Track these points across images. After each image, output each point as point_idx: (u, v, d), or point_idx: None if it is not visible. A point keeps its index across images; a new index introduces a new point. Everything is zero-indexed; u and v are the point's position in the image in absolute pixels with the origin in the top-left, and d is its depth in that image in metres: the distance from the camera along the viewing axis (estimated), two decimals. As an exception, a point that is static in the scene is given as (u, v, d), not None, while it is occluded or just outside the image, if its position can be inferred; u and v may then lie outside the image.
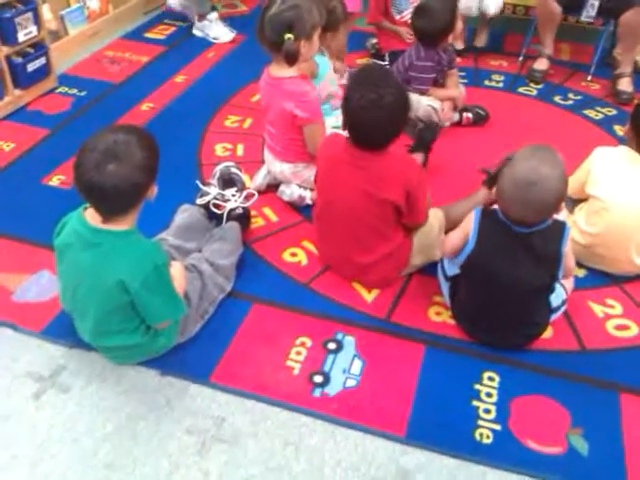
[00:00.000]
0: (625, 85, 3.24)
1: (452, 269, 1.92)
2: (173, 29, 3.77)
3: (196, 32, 3.71)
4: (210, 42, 3.62)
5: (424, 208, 1.99)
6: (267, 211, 2.37)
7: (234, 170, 2.27)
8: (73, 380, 1.77)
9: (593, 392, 1.79)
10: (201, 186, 2.21)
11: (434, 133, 2.49)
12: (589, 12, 3.25)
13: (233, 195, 2.16)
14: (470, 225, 1.78)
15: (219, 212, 2.13)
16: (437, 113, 2.77)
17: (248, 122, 2.91)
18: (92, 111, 2.95)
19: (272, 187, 2.45)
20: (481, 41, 3.63)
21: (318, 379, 1.78)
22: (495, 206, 1.79)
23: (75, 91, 3.09)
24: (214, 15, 3.67)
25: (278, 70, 2.21)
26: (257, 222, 2.31)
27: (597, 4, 3.19)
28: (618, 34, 3.23)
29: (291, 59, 2.13)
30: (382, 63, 3.33)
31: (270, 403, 1.72)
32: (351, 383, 1.77)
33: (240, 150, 2.72)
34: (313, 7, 2.14)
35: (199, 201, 2.16)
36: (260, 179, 2.42)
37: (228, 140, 2.77)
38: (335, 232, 2.02)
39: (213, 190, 2.17)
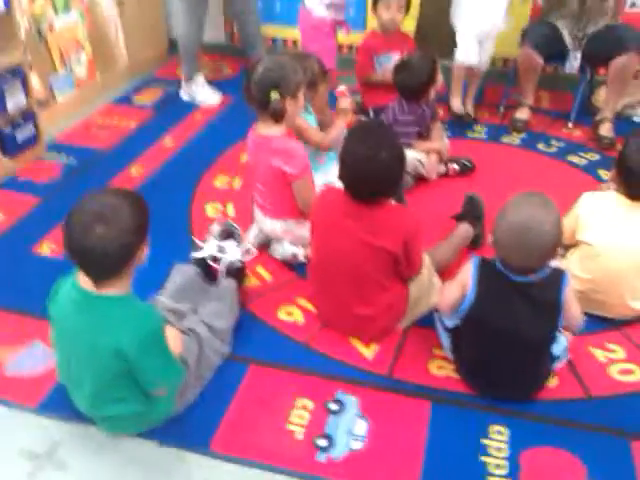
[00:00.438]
0: (606, 130, 3.31)
1: (451, 321, 1.90)
2: (160, 93, 3.82)
3: (183, 96, 3.76)
4: (197, 104, 3.66)
5: (420, 258, 2.00)
6: (260, 270, 2.35)
7: (233, 226, 2.29)
8: (70, 456, 1.71)
9: (603, 441, 1.76)
10: (197, 241, 2.21)
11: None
12: (572, 64, 3.35)
13: (233, 248, 2.18)
14: (468, 277, 1.77)
15: (217, 266, 2.13)
16: (423, 166, 2.80)
17: (237, 182, 2.93)
18: (82, 177, 2.95)
19: (264, 246, 2.44)
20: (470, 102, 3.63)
21: (322, 442, 1.73)
22: (492, 256, 1.79)
23: (64, 158, 3.10)
24: (200, 79, 3.73)
25: (265, 129, 2.24)
26: (251, 282, 2.29)
27: (579, 56, 3.29)
28: (608, 81, 3.28)
29: (277, 117, 2.17)
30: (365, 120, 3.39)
31: (274, 471, 1.67)
32: (357, 445, 1.73)
33: (231, 210, 2.72)
34: (297, 66, 2.20)
35: (196, 254, 2.16)
36: (252, 238, 2.42)
37: (218, 200, 2.78)
38: (333, 286, 2.01)
39: (211, 244, 2.17)
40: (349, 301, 1.99)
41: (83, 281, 1.57)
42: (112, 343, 1.53)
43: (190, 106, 3.66)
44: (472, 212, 2.46)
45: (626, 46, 3.08)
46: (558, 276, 1.72)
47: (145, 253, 1.59)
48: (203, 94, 3.69)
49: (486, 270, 1.76)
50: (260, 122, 2.26)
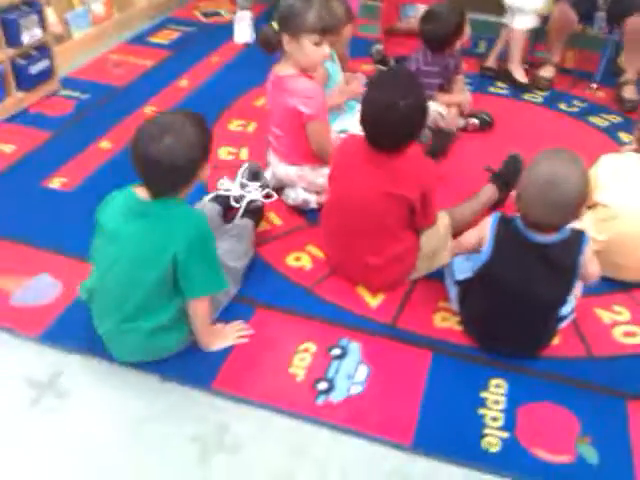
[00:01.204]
0: (630, 93, 3.23)
1: (462, 273, 1.89)
2: (177, 34, 3.76)
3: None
4: (214, 46, 3.60)
5: (435, 210, 1.99)
6: (271, 215, 2.34)
7: (260, 168, 2.33)
8: (72, 385, 1.74)
9: (601, 399, 1.76)
10: (223, 180, 2.24)
11: (449, 139, 2.48)
12: (600, 24, 3.28)
13: (256, 188, 2.21)
14: (486, 231, 1.75)
15: (238, 206, 2.17)
16: (443, 119, 2.75)
17: (252, 126, 2.90)
18: (95, 114, 2.93)
19: (277, 191, 2.41)
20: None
21: (322, 386, 1.75)
22: (513, 213, 1.76)
23: (78, 94, 3.08)
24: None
25: (283, 69, 2.20)
26: (261, 226, 2.28)
27: (604, 15, 3.20)
28: (624, 40, 3.21)
29: (267, 47, 2.15)
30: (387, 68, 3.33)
31: (273, 411, 1.69)
32: (356, 390, 1.74)
33: (244, 154, 2.70)
34: (313, 9, 2.09)
35: (221, 192, 2.19)
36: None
37: (232, 144, 2.75)
38: (345, 231, 2.00)
39: (237, 185, 2.21)
40: (360, 249, 1.99)
41: (139, 192, 1.61)
42: (161, 241, 1.58)
43: (207, 47, 3.60)
44: (508, 174, 2.38)
45: (636, 6, 2.99)
46: (577, 237, 1.70)
47: (207, 172, 1.65)
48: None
49: (505, 227, 1.73)
50: (280, 62, 2.22)
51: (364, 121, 1.87)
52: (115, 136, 2.76)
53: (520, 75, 3.36)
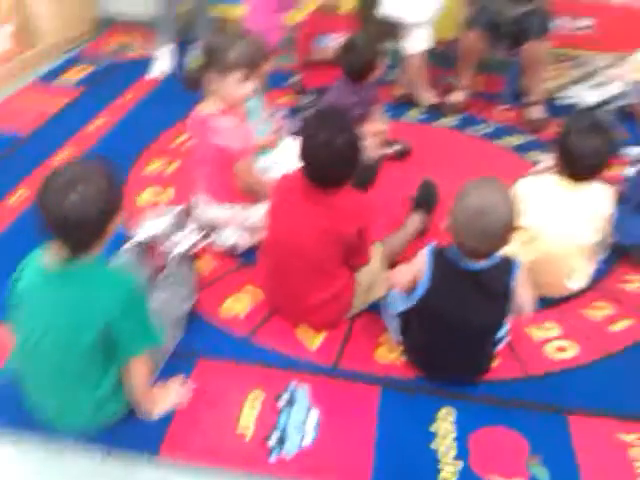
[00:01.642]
0: (537, 113, 3.40)
1: (402, 305, 1.92)
2: (88, 71, 3.66)
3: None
4: (127, 83, 3.53)
5: (370, 248, 2.01)
6: (204, 258, 2.30)
7: (180, 214, 2.27)
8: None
9: (543, 418, 1.83)
10: (149, 223, 2.17)
11: (374, 171, 2.52)
12: (503, 52, 3.49)
13: (189, 233, 2.19)
14: (422, 264, 1.79)
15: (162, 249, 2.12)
16: (365, 150, 2.79)
17: (174, 165, 2.85)
18: (5, 162, 2.79)
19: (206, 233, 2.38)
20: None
21: (274, 440, 1.71)
22: (446, 244, 1.81)
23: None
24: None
25: (207, 107, 2.20)
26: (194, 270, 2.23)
27: (508, 44, 3.38)
28: (523, 64, 3.37)
29: (190, 83, 2.17)
30: (306, 101, 3.36)
31: (226, 476, 1.64)
32: (309, 439, 1.72)
33: (169, 195, 2.65)
34: (238, 46, 2.12)
35: (139, 238, 2.12)
36: (193, 224, 2.35)
37: (155, 184, 2.70)
38: (284, 270, 2.00)
39: (162, 227, 2.16)
40: (299, 288, 1.99)
41: (52, 255, 1.53)
42: (93, 310, 1.51)
43: (120, 84, 3.52)
44: (425, 199, 2.47)
45: (532, 33, 3.16)
46: (508, 263, 1.76)
47: (117, 225, 1.57)
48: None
49: (440, 258, 1.78)
50: (203, 101, 2.22)
51: (303, 159, 1.88)
52: (28, 188, 2.62)
53: (427, 98, 3.48)
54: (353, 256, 1.97)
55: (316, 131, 1.87)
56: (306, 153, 1.88)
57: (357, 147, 1.92)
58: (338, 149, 1.83)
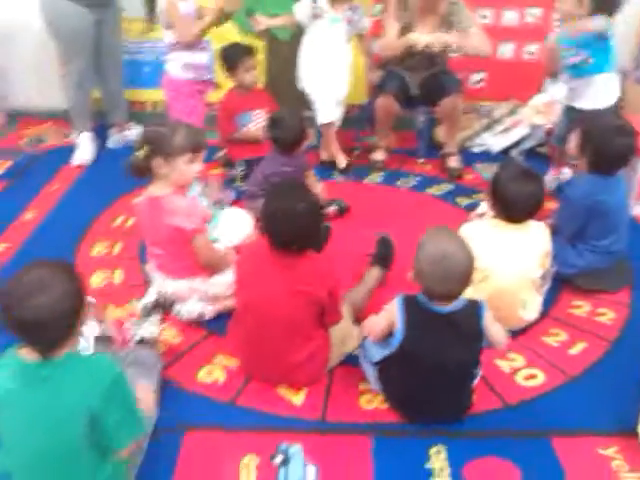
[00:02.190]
0: (454, 162, 3.63)
1: (378, 354, 1.97)
2: (7, 165, 3.56)
3: (114, 145, 3.78)
4: (50, 173, 3.46)
5: (341, 307, 2.06)
6: (167, 333, 2.27)
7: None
8: None
9: (528, 442, 1.91)
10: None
11: (326, 232, 2.59)
12: (422, 118, 3.74)
13: (151, 323, 2.14)
14: (394, 314, 1.86)
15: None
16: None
17: (118, 247, 2.81)
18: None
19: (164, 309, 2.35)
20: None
21: (277, 497, 1.70)
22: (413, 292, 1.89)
23: None
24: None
25: (158, 190, 2.23)
26: (160, 347, 2.19)
27: (424, 110, 3.64)
28: (438, 118, 3.64)
29: (136, 173, 2.21)
30: (235, 172, 3.43)
31: None
32: (311, 494, 1.72)
33: (119, 276, 2.60)
34: (180, 132, 2.21)
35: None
36: (149, 301, 2.32)
37: (103, 267, 2.64)
38: (259, 336, 2.01)
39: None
40: (277, 350, 2.00)
41: (26, 354, 1.49)
42: (75, 401, 1.46)
43: (43, 175, 3.45)
44: (384, 254, 2.57)
45: (448, 90, 3.43)
46: (475, 305, 1.87)
47: (86, 317, 1.55)
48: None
49: (411, 306, 1.86)
50: (152, 184, 2.25)
51: (266, 227, 1.94)
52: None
53: (340, 161, 3.63)
54: (327, 315, 2.01)
55: (276, 201, 1.95)
56: (268, 222, 1.94)
57: (318, 212, 2.02)
58: (301, 216, 1.91)
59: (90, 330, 2.01)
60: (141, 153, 2.16)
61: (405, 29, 3.42)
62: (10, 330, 1.43)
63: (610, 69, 2.92)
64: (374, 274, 2.47)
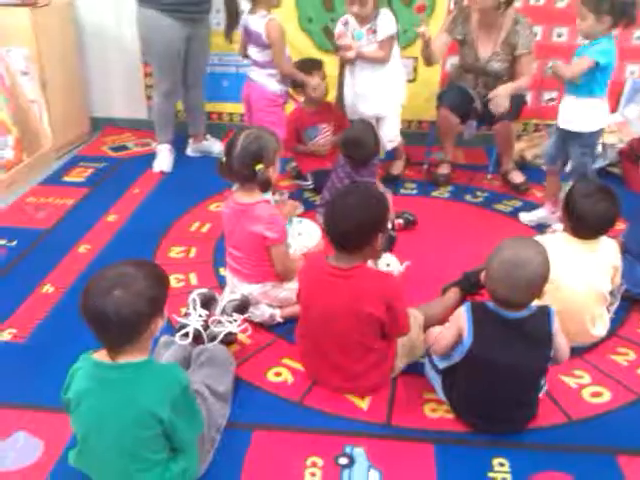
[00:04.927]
0: (518, 178, 3.63)
1: (443, 362, 2.01)
2: (90, 171, 3.77)
3: (193, 153, 4.00)
4: (132, 179, 3.66)
5: (407, 319, 2.07)
6: (239, 334, 2.36)
7: (210, 293, 2.32)
8: None
9: (592, 459, 1.90)
10: (179, 319, 2.18)
11: (392, 242, 2.64)
12: (470, 131, 3.75)
13: (229, 321, 2.21)
14: (463, 321, 1.89)
15: (212, 335, 2.17)
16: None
17: (193, 251, 2.94)
18: (29, 259, 2.85)
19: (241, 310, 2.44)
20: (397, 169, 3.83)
21: (341, 499, 1.76)
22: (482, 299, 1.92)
23: (5, 242, 2.98)
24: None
25: (246, 197, 2.33)
26: (231, 347, 2.29)
27: (474, 123, 3.67)
28: (495, 140, 3.66)
29: (265, 186, 2.28)
30: (305, 183, 3.54)
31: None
32: (375, 496, 1.77)
33: (193, 279, 2.73)
34: (271, 135, 2.33)
35: (180, 339, 2.12)
36: (226, 303, 2.42)
37: (177, 271, 2.77)
38: (321, 346, 2.06)
39: (193, 318, 2.16)
40: (339, 361, 2.05)
41: (100, 357, 1.59)
42: (145, 407, 1.54)
43: (125, 181, 3.64)
44: (473, 286, 2.51)
45: (509, 115, 3.44)
46: (545, 311, 1.89)
47: (160, 325, 1.62)
48: (218, 145, 3.97)
49: (479, 312, 1.89)
50: (240, 191, 2.36)
51: (332, 225, 1.99)
52: (57, 279, 2.70)
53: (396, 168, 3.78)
54: (389, 329, 2.03)
55: (345, 199, 2.01)
56: (334, 215, 1.99)
57: (385, 208, 2.05)
58: (369, 207, 1.96)
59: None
60: (262, 170, 2.26)
61: (464, 43, 3.48)
62: (87, 322, 1.52)
63: (601, 93, 2.85)
64: (454, 295, 2.46)
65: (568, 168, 3.09)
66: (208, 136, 4.03)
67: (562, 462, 1.88)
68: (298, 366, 2.22)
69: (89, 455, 1.65)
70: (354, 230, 1.95)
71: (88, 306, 1.51)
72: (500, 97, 3.30)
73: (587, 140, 2.93)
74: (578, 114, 2.88)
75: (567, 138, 2.96)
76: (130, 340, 1.56)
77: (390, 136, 3.55)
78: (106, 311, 1.49)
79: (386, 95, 3.43)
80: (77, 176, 3.71)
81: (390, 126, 3.53)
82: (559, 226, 2.61)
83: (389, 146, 3.60)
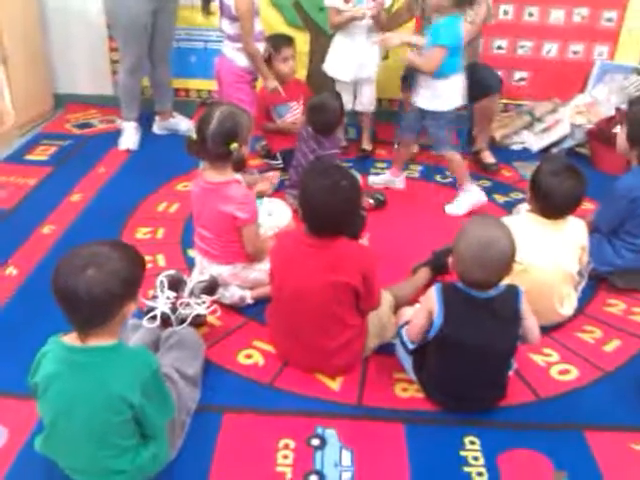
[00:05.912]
0: (490, 158, 3.64)
1: (413, 343, 2.01)
2: (54, 149, 3.67)
3: (159, 131, 3.90)
4: (97, 157, 3.57)
5: (379, 292, 2.08)
6: (209, 316, 2.33)
7: (178, 274, 2.27)
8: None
9: (561, 435, 1.93)
10: (147, 302, 2.14)
11: (363, 220, 2.62)
12: None
13: (198, 303, 2.17)
14: (433, 302, 1.89)
15: (181, 317, 2.12)
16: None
17: (161, 232, 2.89)
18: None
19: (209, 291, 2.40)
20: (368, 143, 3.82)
21: (314, 479, 1.75)
22: (452, 279, 1.92)
23: (-36, 223, 2.90)
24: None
25: (217, 176, 2.27)
26: (201, 329, 2.26)
27: None
28: (475, 118, 3.64)
29: (240, 165, 2.23)
30: (275, 162, 3.49)
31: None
32: (347, 476, 1.77)
33: (161, 260, 2.68)
34: (244, 113, 2.28)
35: (148, 322, 2.07)
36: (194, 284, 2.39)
37: (145, 252, 2.67)
38: (294, 325, 2.05)
39: (161, 301, 2.12)
40: (311, 339, 2.04)
41: (69, 340, 1.55)
42: (116, 391, 1.51)
43: (90, 159, 3.55)
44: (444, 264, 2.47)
45: (488, 89, 3.43)
46: (513, 290, 1.90)
47: (133, 308, 1.58)
48: (186, 123, 3.87)
49: (449, 292, 1.89)
50: (210, 170, 2.29)
51: (309, 212, 1.97)
52: (20, 260, 2.63)
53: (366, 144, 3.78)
54: (362, 302, 2.04)
55: (317, 179, 1.97)
56: (306, 201, 1.97)
57: (359, 191, 2.04)
58: (342, 191, 1.93)
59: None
60: (237, 148, 2.22)
61: (425, 20, 3.42)
62: (58, 301, 1.48)
63: (452, 72, 2.89)
64: (423, 274, 2.47)
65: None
66: (175, 113, 3.95)
67: (531, 439, 1.90)
68: (269, 348, 2.21)
69: (57, 441, 1.62)
70: (331, 220, 1.94)
71: (59, 284, 1.47)
72: (391, 37, 3.18)
73: (443, 117, 2.99)
74: (432, 94, 2.94)
75: (424, 115, 3.02)
76: (101, 322, 1.52)
77: (373, 99, 3.60)
78: (77, 290, 1.44)
79: (375, 58, 3.47)
80: (40, 154, 3.60)
81: (373, 89, 3.58)
82: (524, 206, 2.62)
83: (372, 109, 3.64)
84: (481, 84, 3.40)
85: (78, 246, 1.54)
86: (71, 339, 1.56)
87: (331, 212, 1.92)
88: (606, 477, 1.79)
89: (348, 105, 3.46)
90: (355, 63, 3.43)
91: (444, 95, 2.94)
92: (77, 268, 1.46)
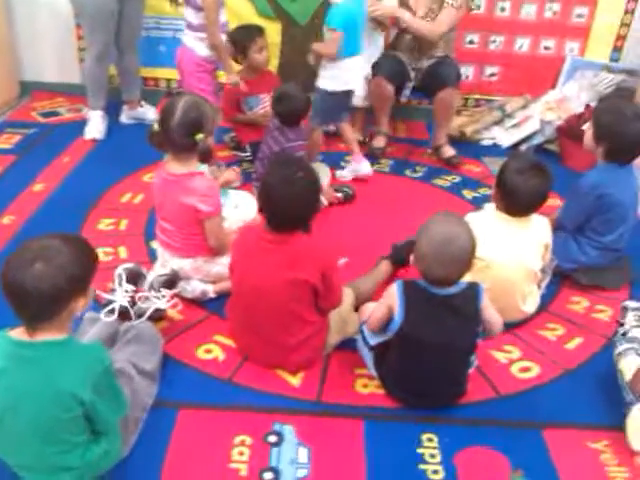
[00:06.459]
0: (450, 152, 3.62)
1: (375, 339, 1.99)
2: (18, 137, 3.58)
3: (127, 120, 3.83)
4: (62, 146, 3.49)
5: (339, 290, 2.05)
6: (170, 311, 2.29)
7: (137, 268, 2.24)
8: None
9: (519, 433, 1.93)
10: (105, 295, 2.09)
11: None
12: (405, 94, 3.68)
13: (157, 297, 2.13)
14: (394, 300, 1.88)
15: (139, 311, 2.09)
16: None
17: (124, 223, 2.83)
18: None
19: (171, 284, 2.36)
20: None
21: (268, 476, 1.73)
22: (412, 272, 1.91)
23: None
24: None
25: (180, 167, 2.23)
26: (162, 323, 2.22)
27: (411, 86, 3.61)
28: (433, 111, 3.59)
29: (207, 157, 2.19)
30: (243, 154, 3.45)
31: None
32: (302, 473, 1.75)
33: (123, 252, 2.63)
34: (207, 102, 2.25)
35: (106, 315, 2.03)
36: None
37: (106, 244, 2.66)
38: (255, 320, 2.02)
39: (119, 294, 2.08)
40: (271, 334, 2.02)
41: (17, 334, 1.51)
42: (65, 388, 1.47)
43: (54, 148, 3.47)
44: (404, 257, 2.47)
45: (444, 83, 3.41)
46: (474, 287, 1.89)
47: (83, 304, 1.54)
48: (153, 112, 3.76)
49: (410, 289, 1.88)
50: (172, 161, 2.25)
51: (267, 203, 1.94)
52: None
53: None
54: (321, 299, 2.01)
55: (276, 171, 1.95)
56: (264, 194, 1.94)
57: (317, 184, 2.01)
58: (300, 185, 1.91)
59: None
60: (202, 139, 2.18)
61: (401, 4, 3.43)
62: (5, 295, 1.45)
63: (348, 54, 3.01)
64: (384, 268, 2.45)
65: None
66: (143, 102, 3.88)
67: (489, 437, 1.90)
68: (230, 343, 2.18)
69: (3, 438, 1.57)
70: (287, 213, 1.92)
71: (7, 279, 1.44)
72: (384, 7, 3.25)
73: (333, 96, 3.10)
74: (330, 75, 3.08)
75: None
76: (49, 317, 1.48)
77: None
78: (25, 284, 1.42)
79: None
80: (4, 143, 3.51)
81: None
82: (490, 204, 2.62)
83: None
84: (437, 78, 3.40)
85: (30, 239, 1.51)
86: (19, 334, 1.51)
87: (287, 204, 1.90)
88: (561, 475, 1.80)
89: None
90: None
91: (338, 77, 3.07)
92: (26, 262, 1.43)
